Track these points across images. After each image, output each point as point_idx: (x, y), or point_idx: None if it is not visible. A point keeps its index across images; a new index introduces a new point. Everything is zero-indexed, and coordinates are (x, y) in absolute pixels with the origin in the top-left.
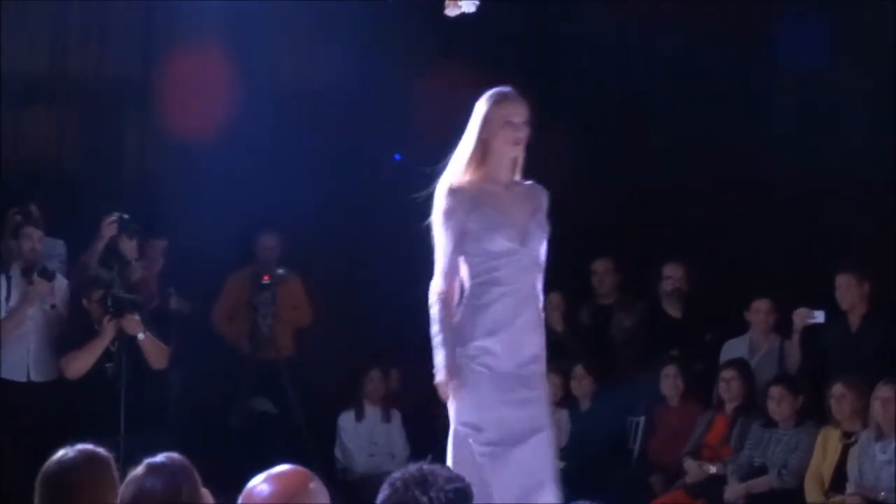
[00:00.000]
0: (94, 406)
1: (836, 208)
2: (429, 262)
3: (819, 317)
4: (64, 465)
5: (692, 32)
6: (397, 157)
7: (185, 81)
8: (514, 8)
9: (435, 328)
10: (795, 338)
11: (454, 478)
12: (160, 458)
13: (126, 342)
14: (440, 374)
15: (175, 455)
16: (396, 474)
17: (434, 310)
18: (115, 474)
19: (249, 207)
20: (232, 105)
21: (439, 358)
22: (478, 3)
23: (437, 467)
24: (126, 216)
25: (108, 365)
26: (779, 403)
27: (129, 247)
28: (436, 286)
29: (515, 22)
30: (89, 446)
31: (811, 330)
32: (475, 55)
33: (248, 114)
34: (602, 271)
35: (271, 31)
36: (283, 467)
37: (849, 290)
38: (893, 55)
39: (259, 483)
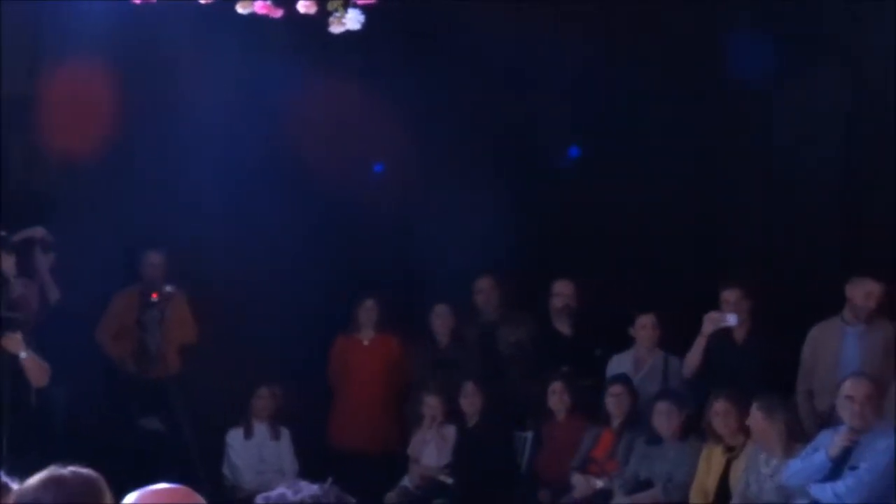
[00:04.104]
0: None
1: (721, 225)
2: (316, 277)
3: (731, 320)
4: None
5: (565, 43)
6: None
7: (70, 98)
8: (399, 21)
9: None
10: (702, 341)
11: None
12: (65, 471)
13: (8, 361)
14: None
15: (83, 471)
16: (259, 499)
17: None
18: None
19: (136, 225)
20: (118, 121)
21: None
22: (362, 20)
23: (304, 485)
24: (3, 233)
25: None
26: (667, 418)
27: (7, 264)
28: None
29: (400, 33)
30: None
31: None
32: (361, 70)
33: (135, 130)
34: (487, 289)
35: (158, 45)
36: (161, 485)
37: (735, 305)
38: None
39: (135, 501)
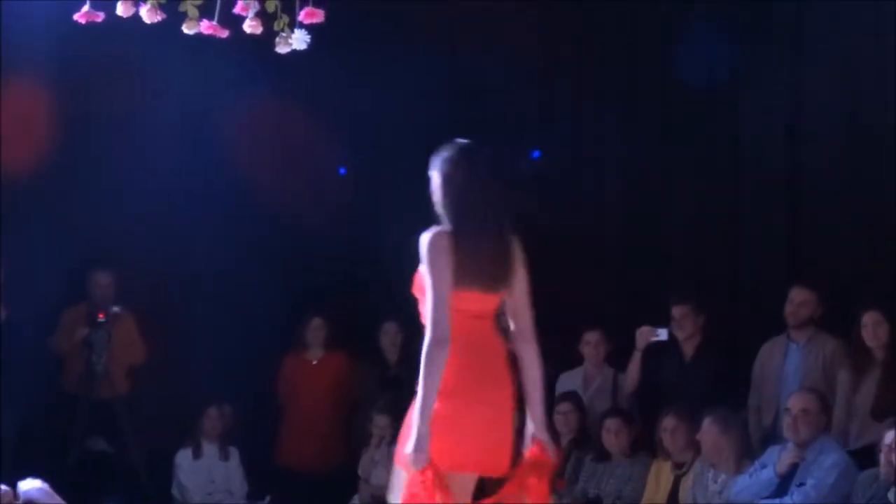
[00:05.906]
0: None
1: (668, 240)
2: (264, 296)
3: (662, 334)
4: None
5: (515, 51)
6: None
7: (13, 114)
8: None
9: None
10: (637, 356)
11: None
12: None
13: None
14: None
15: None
16: None
17: None
18: None
19: (83, 243)
20: (64, 137)
21: None
22: (308, 40)
23: None
24: None
25: None
26: (616, 436)
27: None
28: None
29: (344, 60)
30: None
31: (649, 355)
32: (308, 85)
33: (81, 147)
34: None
35: (104, 61)
36: None
37: (684, 321)
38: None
39: None
